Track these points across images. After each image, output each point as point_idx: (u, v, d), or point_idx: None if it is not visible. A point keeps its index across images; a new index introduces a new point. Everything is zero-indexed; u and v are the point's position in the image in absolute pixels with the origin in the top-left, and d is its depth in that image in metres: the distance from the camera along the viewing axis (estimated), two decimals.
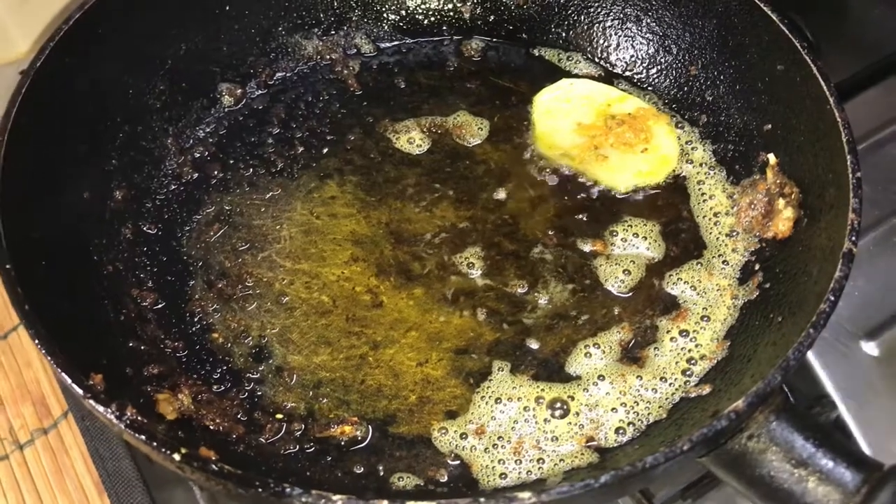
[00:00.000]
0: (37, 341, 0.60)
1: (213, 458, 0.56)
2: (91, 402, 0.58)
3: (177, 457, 0.55)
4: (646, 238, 0.83)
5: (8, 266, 0.65)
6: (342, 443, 0.71)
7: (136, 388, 0.70)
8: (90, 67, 0.83)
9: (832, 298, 0.63)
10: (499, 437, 0.70)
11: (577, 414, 0.71)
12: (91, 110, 0.84)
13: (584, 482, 0.53)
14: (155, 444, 0.56)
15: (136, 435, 0.56)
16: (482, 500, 0.53)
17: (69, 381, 0.58)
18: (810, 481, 0.57)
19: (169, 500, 0.82)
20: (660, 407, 0.72)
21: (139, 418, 0.57)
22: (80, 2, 1.00)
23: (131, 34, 0.86)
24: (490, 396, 0.73)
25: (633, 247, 0.83)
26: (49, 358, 0.59)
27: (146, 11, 0.87)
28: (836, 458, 0.57)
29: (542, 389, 0.73)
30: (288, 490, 0.53)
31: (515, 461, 0.69)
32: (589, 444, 0.70)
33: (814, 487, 0.56)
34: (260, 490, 0.54)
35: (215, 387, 0.74)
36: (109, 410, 0.57)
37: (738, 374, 0.70)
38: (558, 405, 0.72)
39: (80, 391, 0.58)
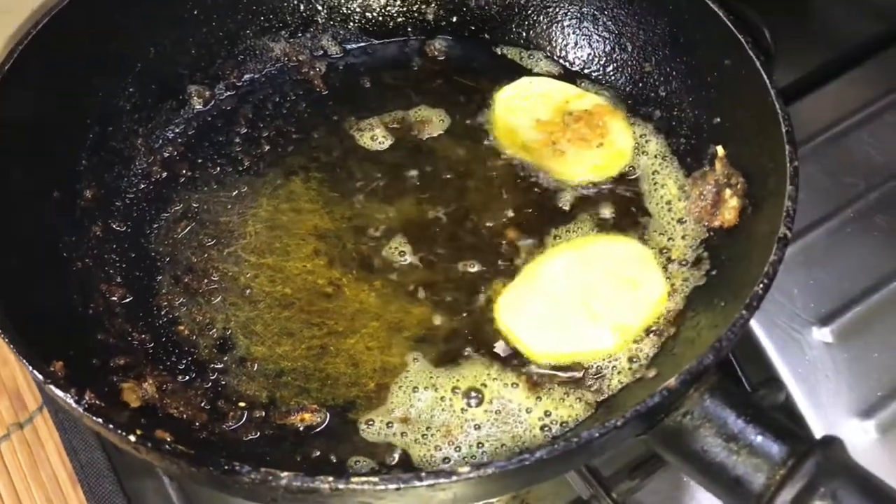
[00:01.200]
0: (1, 331, 0.63)
1: (168, 440, 0.59)
2: (51, 387, 0.60)
3: (132, 437, 0.58)
4: (599, 227, 0.86)
5: None
6: (301, 429, 0.74)
7: (103, 378, 0.72)
8: (60, 70, 0.86)
9: (766, 281, 0.65)
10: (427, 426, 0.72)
11: (524, 399, 0.74)
12: (62, 112, 0.86)
13: (521, 457, 0.56)
14: (111, 426, 0.59)
15: (94, 418, 0.59)
16: (423, 475, 0.56)
17: (30, 367, 0.61)
18: (741, 454, 0.59)
19: (139, 490, 0.85)
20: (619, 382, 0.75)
21: (97, 402, 0.60)
22: (48, 7, 1.04)
23: (100, 37, 0.89)
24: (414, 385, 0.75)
25: (582, 234, 0.85)
26: (12, 346, 0.62)
27: (115, 15, 0.90)
28: (766, 432, 0.60)
29: (489, 375, 0.76)
30: (237, 468, 0.56)
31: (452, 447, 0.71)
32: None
33: (744, 460, 0.59)
34: (211, 469, 0.56)
35: (180, 377, 0.77)
36: (69, 395, 0.60)
37: (682, 358, 0.73)
38: (474, 393, 0.74)
39: (41, 377, 0.61)
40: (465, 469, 0.56)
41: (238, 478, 0.56)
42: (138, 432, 0.58)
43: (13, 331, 0.64)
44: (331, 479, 0.56)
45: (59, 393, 0.60)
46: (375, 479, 0.55)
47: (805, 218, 0.89)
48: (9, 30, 1.00)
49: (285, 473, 0.56)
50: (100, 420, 0.59)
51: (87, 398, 0.60)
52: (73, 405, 0.60)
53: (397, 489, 0.55)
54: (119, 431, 0.58)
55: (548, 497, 0.85)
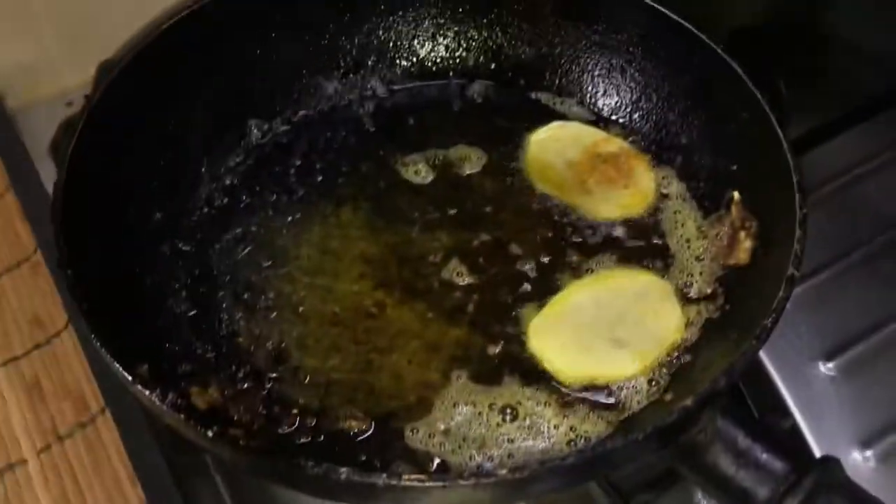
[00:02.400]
0: (93, 335, 0.71)
1: (240, 436, 0.67)
2: (138, 387, 0.68)
3: (210, 433, 0.66)
4: (623, 261, 0.93)
5: (69, 271, 0.76)
6: (349, 434, 0.81)
7: (173, 382, 0.80)
8: (138, 104, 0.94)
9: (775, 315, 0.72)
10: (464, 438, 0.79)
11: (553, 416, 0.81)
12: (137, 141, 0.95)
13: (553, 461, 0.63)
14: (192, 422, 0.66)
15: (178, 415, 0.67)
16: (466, 475, 0.63)
17: (120, 368, 0.69)
18: (748, 469, 0.66)
19: (194, 488, 0.92)
20: (637, 403, 0.81)
21: (179, 401, 0.68)
22: (128, 40, 1.14)
23: (175, 74, 0.98)
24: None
25: (609, 268, 0.93)
26: (104, 349, 0.70)
27: (190, 54, 0.98)
28: (771, 450, 0.67)
29: (523, 394, 0.83)
30: (304, 462, 0.64)
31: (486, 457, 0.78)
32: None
33: (750, 474, 0.66)
34: (279, 462, 0.64)
35: (239, 384, 0.84)
36: (154, 394, 0.68)
37: (697, 384, 0.79)
38: (509, 410, 0.81)
39: (129, 377, 0.69)
40: (504, 471, 0.63)
41: (303, 472, 0.64)
42: (215, 428, 0.66)
43: (103, 333, 0.72)
44: (384, 475, 0.63)
45: (147, 392, 0.68)
46: (424, 476, 0.62)
47: (814, 261, 0.94)
48: (87, 61, 1.10)
49: (344, 469, 0.63)
50: (182, 417, 0.67)
51: (170, 397, 0.68)
52: (158, 403, 0.67)
53: (443, 486, 0.62)
54: (199, 428, 0.66)
55: None
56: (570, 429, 0.80)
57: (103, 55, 1.12)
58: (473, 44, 1.11)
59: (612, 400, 0.82)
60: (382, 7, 1.08)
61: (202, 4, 0.98)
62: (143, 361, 0.73)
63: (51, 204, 0.81)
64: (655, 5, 0.98)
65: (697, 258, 0.92)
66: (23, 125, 1.18)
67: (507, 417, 0.81)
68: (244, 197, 1.00)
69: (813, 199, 0.95)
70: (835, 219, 1.02)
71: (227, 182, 1.01)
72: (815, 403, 0.91)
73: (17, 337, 1.06)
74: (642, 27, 1.01)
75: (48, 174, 1.10)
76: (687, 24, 0.97)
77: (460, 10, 1.09)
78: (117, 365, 0.69)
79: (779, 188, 0.85)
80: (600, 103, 1.07)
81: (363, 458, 0.79)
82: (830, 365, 0.92)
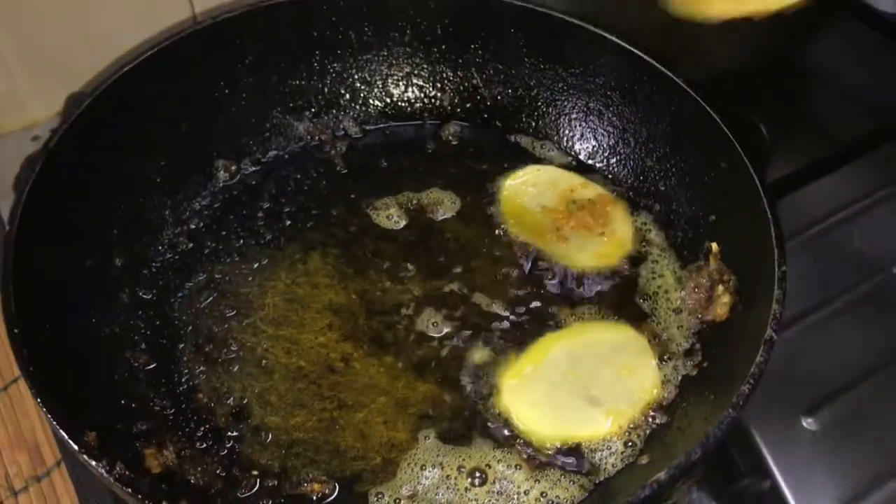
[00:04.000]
0: (39, 401, 0.67)
1: None
2: (85, 457, 0.65)
3: None
4: (598, 313, 0.91)
5: (16, 330, 0.72)
6: (312, 499, 0.78)
7: (126, 443, 0.77)
8: (99, 145, 0.91)
9: (752, 382, 0.70)
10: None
11: (524, 481, 0.78)
12: (97, 184, 0.92)
13: None
14: (140, 496, 0.63)
15: (124, 488, 0.63)
16: None
17: (67, 437, 0.65)
18: None
19: None
20: (612, 466, 0.79)
21: (126, 473, 0.64)
22: (94, 75, 1.11)
23: (139, 114, 0.95)
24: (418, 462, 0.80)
25: (583, 319, 0.90)
26: (49, 416, 0.67)
27: (154, 93, 0.96)
28: None
29: (493, 457, 0.80)
30: None
31: None
32: None
33: None
34: None
35: (198, 444, 0.81)
36: (101, 465, 0.64)
37: (674, 446, 0.77)
38: (478, 473, 0.78)
39: (76, 447, 0.65)
40: None
41: None
42: (164, 503, 0.63)
43: (49, 398, 0.68)
44: None
45: (93, 463, 0.64)
46: None
47: (795, 307, 0.93)
48: (54, 93, 1.07)
49: None
50: (129, 490, 0.63)
51: (117, 469, 0.64)
52: (105, 475, 0.64)
53: None
54: (147, 502, 0.62)
55: None
56: (542, 494, 0.77)
57: (71, 87, 1.09)
58: (448, 84, 1.08)
59: (585, 463, 0.79)
60: (356, 46, 1.06)
61: (170, 42, 0.96)
62: (93, 426, 0.70)
63: (1, 254, 0.77)
64: (633, 49, 0.97)
65: (675, 310, 0.90)
66: None
67: (477, 481, 0.78)
68: (209, 242, 0.97)
69: (794, 244, 0.93)
70: (817, 264, 1.00)
71: (192, 226, 0.98)
72: (796, 461, 0.88)
73: None
74: (619, 71, 0.99)
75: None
76: (664, 69, 0.95)
77: (435, 49, 1.07)
78: (63, 434, 0.65)
79: (758, 242, 0.83)
80: (577, 147, 1.05)
81: None
82: (811, 420, 0.89)
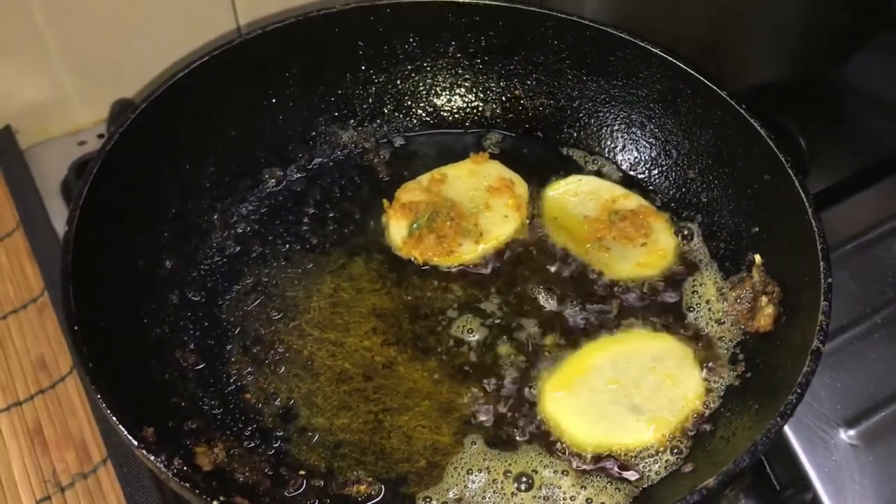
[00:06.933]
0: (99, 397, 0.69)
1: None
2: (143, 452, 0.66)
3: (216, 503, 0.64)
4: (641, 323, 0.91)
5: (76, 328, 0.74)
6: (358, 500, 0.79)
7: (178, 440, 0.78)
8: (151, 151, 0.94)
9: (799, 391, 0.70)
10: None
11: (570, 487, 0.79)
12: (148, 188, 0.94)
13: None
14: (197, 491, 0.64)
15: (182, 483, 0.65)
16: None
17: (126, 433, 0.67)
18: None
19: None
20: (656, 473, 0.79)
21: (185, 468, 0.66)
22: (138, 82, 1.13)
23: (189, 122, 0.97)
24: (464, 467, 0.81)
25: (626, 329, 0.91)
26: (109, 411, 0.68)
27: (204, 101, 0.98)
28: None
29: (540, 462, 0.81)
30: None
31: None
32: None
33: None
34: None
35: (246, 443, 0.83)
36: (159, 461, 0.66)
37: (717, 455, 0.78)
38: (524, 479, 0.79)
39: (135, 442, 0.67)
40: None
41: None
42: (221, 498, 0.64)
43: (109, 396, 0.70)
44: None
45: (151, 458, 0.66)
46: None
47: (834, 322, 0.92)
48: (100, 100, 1.09)
49: None
50: (187, 485, 0.65)
51: (175, 464, 0.66)
52: (163, 469, 0.65)
53: None
54: (204, 497, 0.64)
55: None
56: (587, 501, 0.77)
57: (117, 94, 1.11)
58: (491, 94, 1.10)
59: (630, 471, 0.80)
60: (400, 57, 1.07)
61: (221, 51, 0.98)
62: (149, 422, 0.71)
63: (60, 256, 0.79)
64: (676, 62, 0.97)
65: (717, 321, 0.90)
66: (34, 163, 1.17)
67: (523, 486, 0.79)
68: (256, 246, 0.99)
69: (834, 258, 0.93)
70: (857, 278, 1.00)
71: (240, 230, 1.00)
72: (836, 473, 0.88)
73: (21, 380, 1.04)
74: (662, 83, 1.00)
75: (57, 213, 1.10)
76: (707, 81, 0.96)
77: (478, 61, 1.08)
78: (122, 429, 0.67)
79: (802, 254, 0.83)
80: (619, 158, 1.05)
81: None
82: (852, 433, 0.89)
